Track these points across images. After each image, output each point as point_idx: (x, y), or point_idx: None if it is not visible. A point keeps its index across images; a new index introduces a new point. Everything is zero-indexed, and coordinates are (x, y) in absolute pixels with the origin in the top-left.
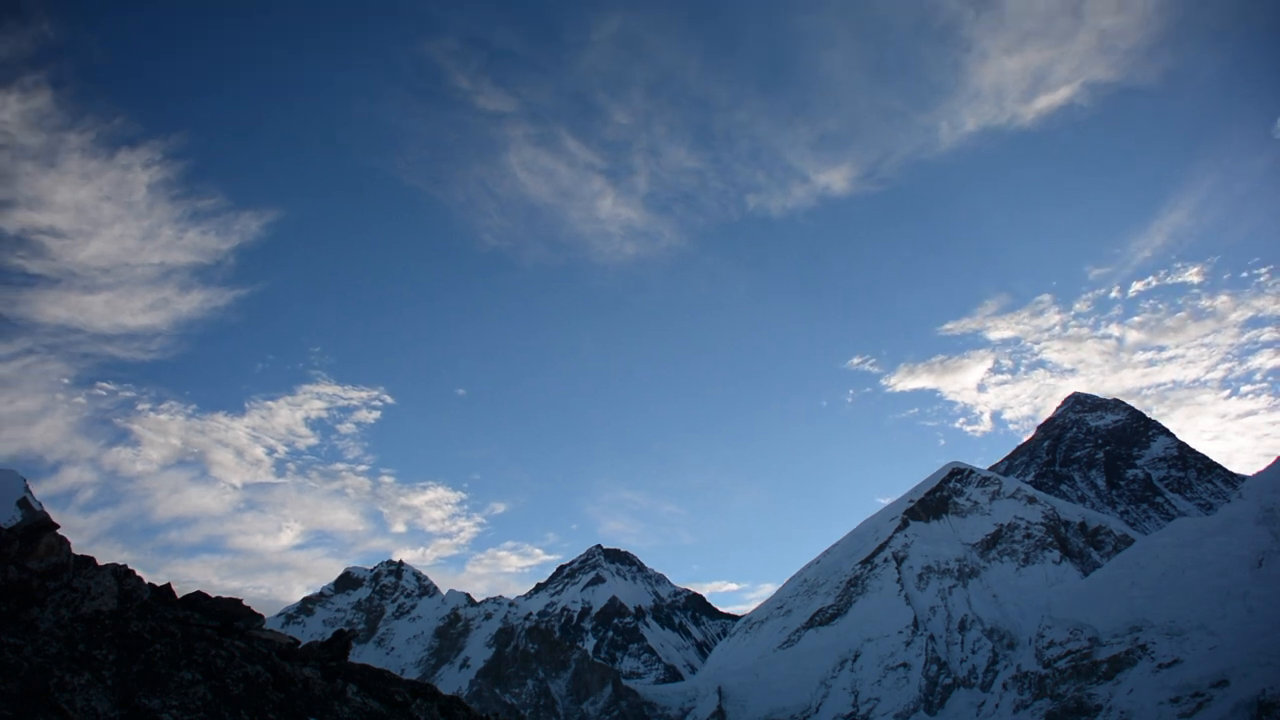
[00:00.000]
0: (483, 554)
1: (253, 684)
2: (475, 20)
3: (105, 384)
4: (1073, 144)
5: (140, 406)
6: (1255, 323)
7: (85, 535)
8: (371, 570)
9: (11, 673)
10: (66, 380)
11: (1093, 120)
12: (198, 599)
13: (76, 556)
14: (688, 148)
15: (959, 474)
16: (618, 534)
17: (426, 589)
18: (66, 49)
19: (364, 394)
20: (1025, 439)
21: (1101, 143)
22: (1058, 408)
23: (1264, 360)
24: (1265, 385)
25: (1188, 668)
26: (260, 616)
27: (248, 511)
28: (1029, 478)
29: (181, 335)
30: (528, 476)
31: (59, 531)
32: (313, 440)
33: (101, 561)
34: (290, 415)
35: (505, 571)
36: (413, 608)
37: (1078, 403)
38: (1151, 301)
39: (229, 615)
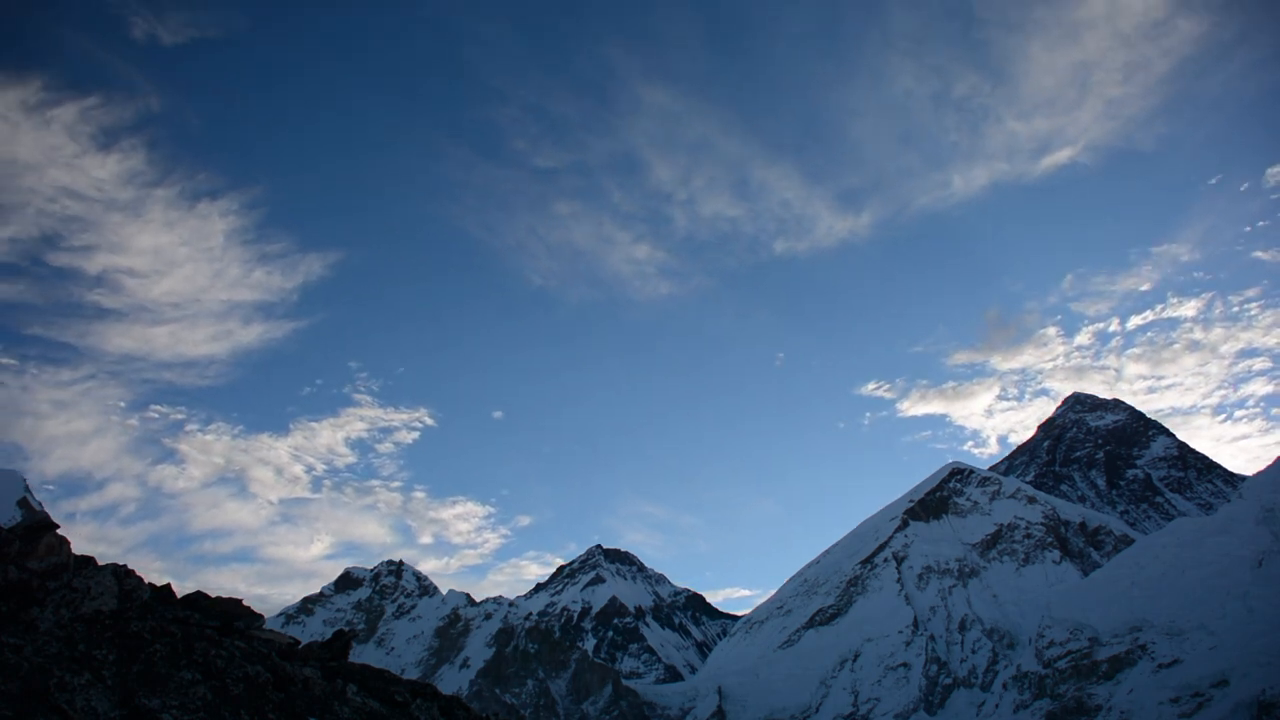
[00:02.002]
0: (505, 563)
1: (253, 684)
2: (536, 92)
3: (159, 407)
4: (1076, 194)
5: (189, 427)
6: (1247, 354)
7: (121, 545)
8: (371, 570)
9: (11, 673)
10: (122, 404)
11: (1095, 175)
12: (198, 599)
13: (76, 556)
14: (724, 201)
15: (959, 474)
16: (638, 544)
17: (426, 589)
18: (166, 118)
19: (405, 416)
20: (1025, 439)
21: (1103, 193)
22: (1058, 408)
23: (1256, 388)
24: (1258, 410)
25: (1188, 668)
26: (260, 616)
27: (281, 524)
28: (1029, 478)
29: (238, 363)
30: (554, 491)
31: (59, 531)
32: (351, 459)
33: (133, 567)
34: (332, 435)
35: (525, 579)
36: (413, 608)
37: (1078, 403)
38: (1149, 334)
39: (229, 615)
